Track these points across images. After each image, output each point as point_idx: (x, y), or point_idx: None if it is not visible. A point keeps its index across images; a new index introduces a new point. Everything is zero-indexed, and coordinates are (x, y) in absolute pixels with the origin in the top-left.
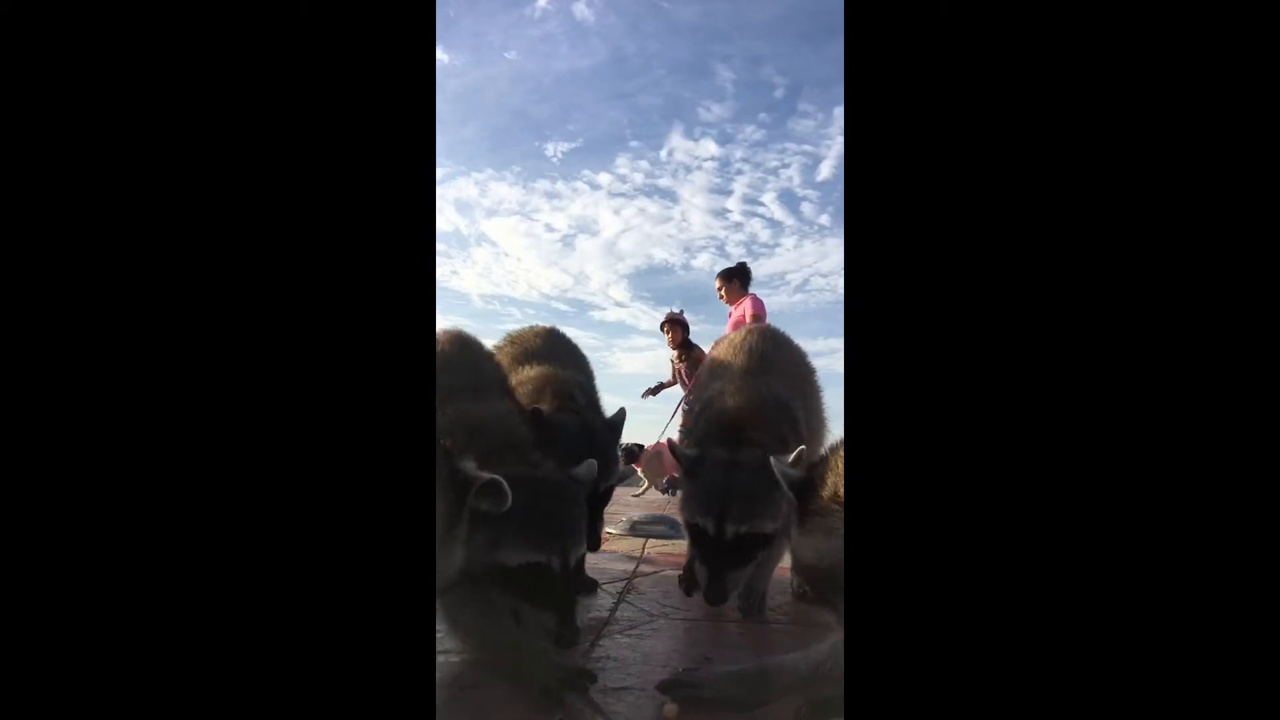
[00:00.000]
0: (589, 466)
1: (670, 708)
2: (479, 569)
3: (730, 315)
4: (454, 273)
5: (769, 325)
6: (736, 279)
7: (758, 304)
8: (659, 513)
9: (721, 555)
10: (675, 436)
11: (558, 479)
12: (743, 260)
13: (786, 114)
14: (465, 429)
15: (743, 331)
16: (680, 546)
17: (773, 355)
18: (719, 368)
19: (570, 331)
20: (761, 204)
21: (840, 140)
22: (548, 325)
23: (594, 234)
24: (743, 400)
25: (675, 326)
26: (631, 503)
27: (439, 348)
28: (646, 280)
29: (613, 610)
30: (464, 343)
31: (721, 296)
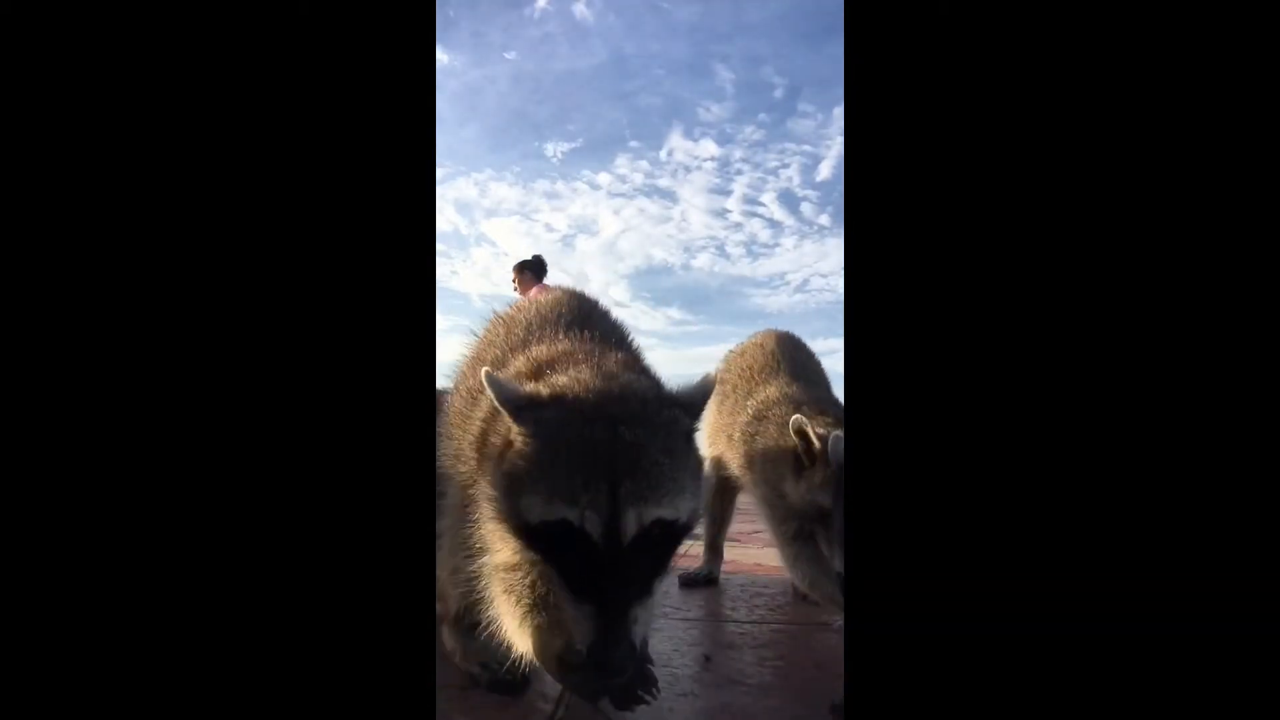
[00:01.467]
0: (702, 384)
1: None
2: (506, 522)
3: None
4: (454, 273)
5: (790, 333)
6: (529, 270)
7: (543, 294)
8: None
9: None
10: None
11: (635, 387)
12: (538, 254)
13: (786, 114)
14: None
15: (772, 337)
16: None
17: (806, 362)
18: (757, 370)
19: None
20: (761, 204)
21: (840, 140)
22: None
23: (594, 234)
24: (812, 396)
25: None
26: None
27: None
28: (646, 280)
29: None
30: (580, 299)
31: (515, 288)
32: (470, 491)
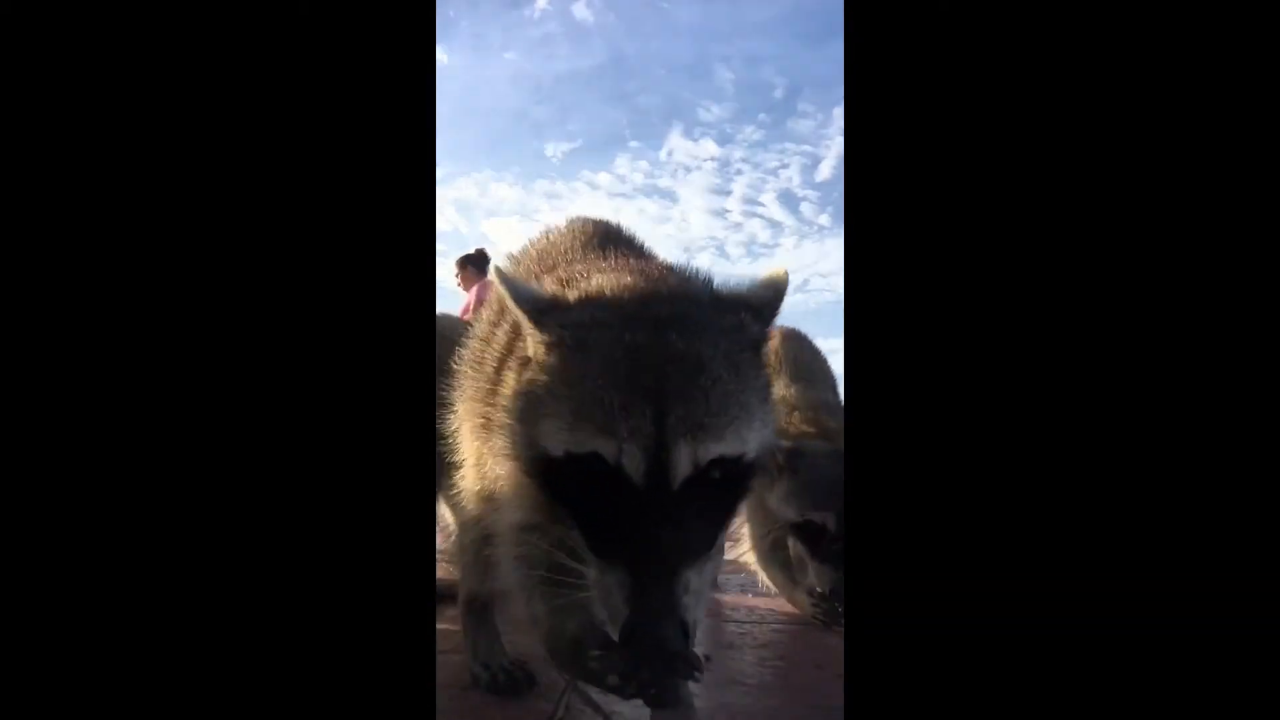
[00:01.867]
0: (772, 280)
1: None
2: (520, 458)
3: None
4: (454, 273)
5: (796, 330)
6: (471, 265)
7: (485, 290)
8: None
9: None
10: None
11: (687, 286)
12: (481, 247)
13: (786, 114)
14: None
15: (777, 334)
16: None
17: (810, 362)
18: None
19: None
20: (761, 204)
21: (840, 140)
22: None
23: None
24: (812, 399)
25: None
26: None
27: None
28: None
29: None
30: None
31: (459, 284)
32: (482, 443)
